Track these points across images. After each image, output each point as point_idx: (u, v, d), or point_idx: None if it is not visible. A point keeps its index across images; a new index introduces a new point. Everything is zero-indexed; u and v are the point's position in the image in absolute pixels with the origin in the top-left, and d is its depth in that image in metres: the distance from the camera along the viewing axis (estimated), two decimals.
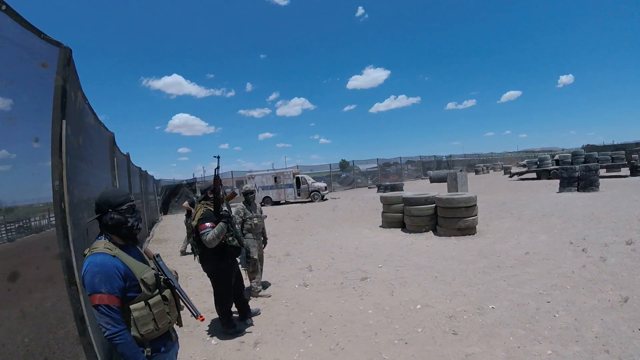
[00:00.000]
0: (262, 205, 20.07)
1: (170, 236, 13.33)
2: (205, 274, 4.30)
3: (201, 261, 4.18)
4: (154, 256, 2.11)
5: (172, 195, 25.05)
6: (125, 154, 9.45)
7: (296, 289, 5.73)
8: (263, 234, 5.72)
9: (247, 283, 5.15)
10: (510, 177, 26.65)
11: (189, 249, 9.27)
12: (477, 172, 37.15)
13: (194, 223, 3.99)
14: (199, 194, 4.53)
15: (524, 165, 29.23)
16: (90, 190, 3.52)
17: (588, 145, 37.67)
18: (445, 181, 16.67)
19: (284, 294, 5.54)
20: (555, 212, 9.95)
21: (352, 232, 10.40)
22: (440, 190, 12.37)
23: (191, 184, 25.97)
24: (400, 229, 9.92)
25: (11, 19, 1.94)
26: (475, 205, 8.58)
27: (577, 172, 14.29)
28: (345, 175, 36.87)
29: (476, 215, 8.61)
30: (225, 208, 3.96)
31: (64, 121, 2.38)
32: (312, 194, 23.24)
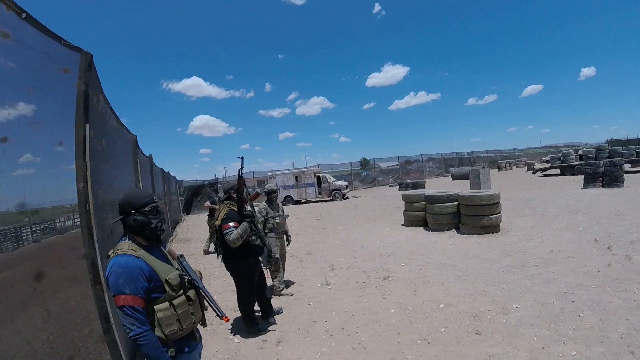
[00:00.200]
0: (283, 205, 20.11)
1: (192, 235, 13.55)
2: (228, 272, 4.33)
3: (224, 260, 4.21)
4: (177, 256, 2.11)
5: (195, 196, 25.43)
6: (148, 155, 9.63)
7: (318, 288, 5.72)
8: (286, 232, 5.75)
9: (269, 282, 5.18)
10: (534, 173, 26.04)
11: (211, 248, 9.40)
12: (499, 168, 36.28)
13: (218, 223, 4.03)
14: (220, 194, 4.58)
15: (547, 161, 28.50)
16: (114, 191, 3.60)
17: (612, 139, 36.52)
18: (468, 178, 16.36)
19: (306, 293, 5.54)
20: (580, 209, 9.63)
21: (373, 231, 10.33)
22: (462, 188, 12.13)
23: (213, 184, 26.27)
24: (422, 227, 9.79)
25: (31, 27, 1.98)
26: (499, 202, 8.37)
27: (601, 168, 13.84)
28: (366, 174, 36.66)
29: (499, 212, 8.41)
30: (249, 208, 3.99)
31: (87, 125, 2.43)
32: (333, 193, 23.17)
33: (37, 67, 2.13)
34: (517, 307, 4.26)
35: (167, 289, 1.88)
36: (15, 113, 2.04)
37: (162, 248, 2.11)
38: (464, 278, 5.44)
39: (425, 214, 9.75)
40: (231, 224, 3.87)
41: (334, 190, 23.24)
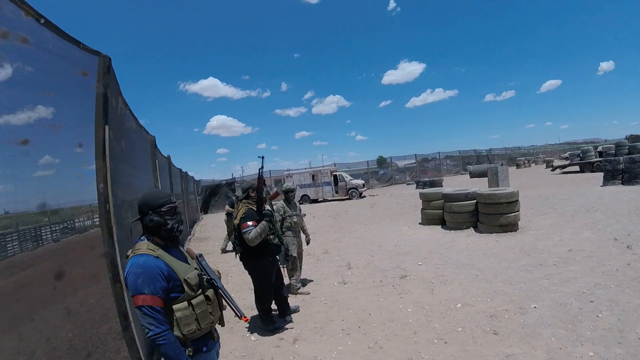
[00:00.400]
0: (300, 204, 20.16)
1: (210, 234, 13.72)
2: (246, 271, 4.37)
3: (242, 259, 4.24)
4: (196, 256, 2.10)
5: (212, 195, 25.75)
6: (166, 156, 9.79)
7: (335, 287, 5.72)
8: (305, 232, 5.76)
9: (286, 280, 5.20)
10: (553, 170, 25.43)
11: (229, 247, 9.50)
12: (518, 166, 35.49)
13: (236, 221, 4.06)
14: (238, 194, 4.62)
15: (566, 158, 27.79)
16: (133, 191, 3.67)
17: (632, 135, 35.33)
18: (486, 176, 16.08)
19: (322, 292, 5.54)
20: (599, 207, 9.37)
21: (390, 230, 10.25)
22: (480, 186, 11.94)
23: (230, 184, 26.52)
24: (440, 225, 9.67)
25: (50, 32, 2.02)
26: (517, 200, 8.18)
27: (621, 164, 13.44)
28: (382, 172, 36.44)
29: (518, 211, 8.21)
30: (267, 207, 4.02)
31: (106, 126, 2.48)
32: (349, 192, 23.11)
33: (56, 70, 2.18)
34: (535, 307, 4.17)
35: (186, 288, 1.88)
36: (35, 116, 2.09)
37: (181, 247, 2.12)
38: (482, 277, 5.36)
39: (442, 213, 9.63)
40: (250, 222, 3.90)
41: (350, 189, 23.17)
